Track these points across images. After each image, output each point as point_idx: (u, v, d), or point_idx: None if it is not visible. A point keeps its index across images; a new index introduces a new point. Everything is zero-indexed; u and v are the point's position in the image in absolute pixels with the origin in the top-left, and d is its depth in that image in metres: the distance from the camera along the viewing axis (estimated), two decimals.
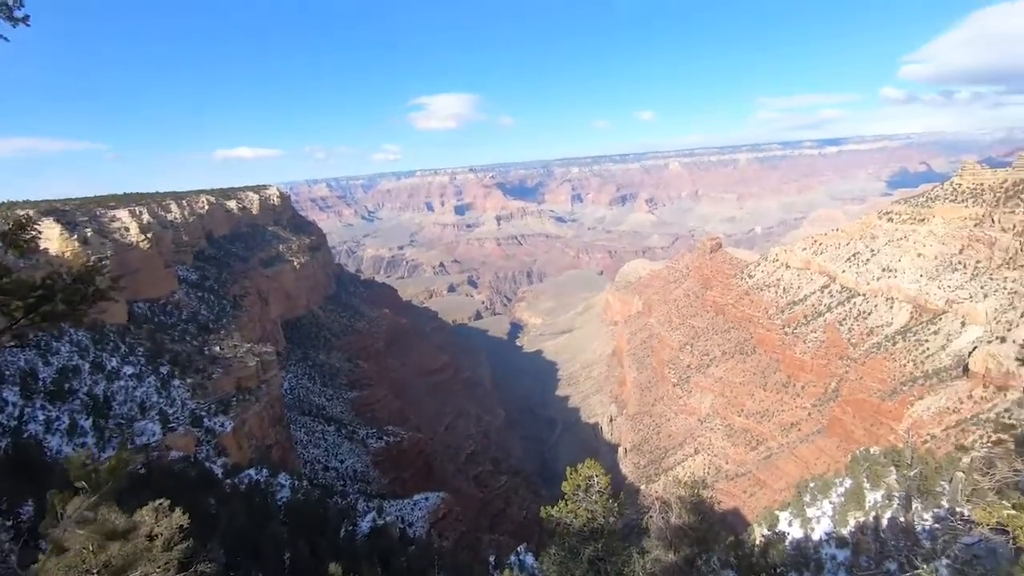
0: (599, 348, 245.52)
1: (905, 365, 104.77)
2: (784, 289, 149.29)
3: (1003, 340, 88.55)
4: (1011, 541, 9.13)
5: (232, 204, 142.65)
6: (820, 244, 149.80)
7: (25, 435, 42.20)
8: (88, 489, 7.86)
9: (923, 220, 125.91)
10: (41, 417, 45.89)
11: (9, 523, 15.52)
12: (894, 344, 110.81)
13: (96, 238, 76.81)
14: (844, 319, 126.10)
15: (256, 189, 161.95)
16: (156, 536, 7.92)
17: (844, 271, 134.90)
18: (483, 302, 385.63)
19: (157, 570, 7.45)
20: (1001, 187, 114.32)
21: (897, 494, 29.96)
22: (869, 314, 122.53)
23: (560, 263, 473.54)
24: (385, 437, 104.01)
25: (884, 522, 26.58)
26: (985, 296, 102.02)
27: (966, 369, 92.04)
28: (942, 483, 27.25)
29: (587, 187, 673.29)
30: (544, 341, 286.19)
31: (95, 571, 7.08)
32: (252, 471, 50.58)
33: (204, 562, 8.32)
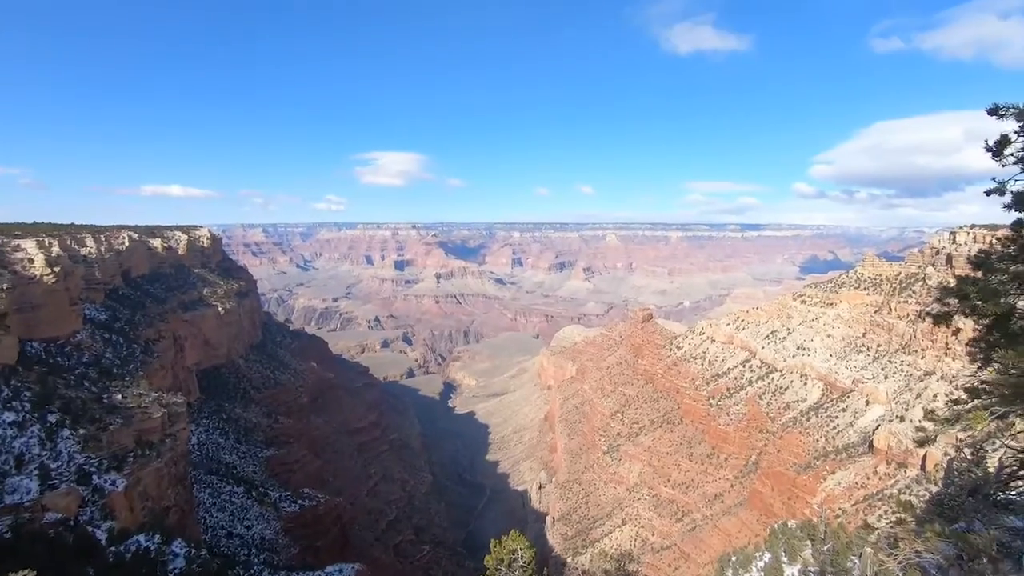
0: (531, 412, 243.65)
1: (818, 440, 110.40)
2: (709, 362, 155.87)
3: (902, 419, 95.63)
4: None
5: (157, 243, 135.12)
6: (742, 321, 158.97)
7: None
8: None
9: (831, 304, 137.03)
10: None
11: None
12: (808, 419, 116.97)
13: None
14: (764, 393, 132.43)
15: (186, 229, 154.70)
16: None
17: (763, 347, 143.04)
18: (417, 360, 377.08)
19: None
20: (896, 279, 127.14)
21: (812, 570, 30.71)
22: (786, 389, 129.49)
23: (498, 324, 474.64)
24: (300, 501, 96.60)
25: None
26: (885, 377, 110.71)
27: (871, 446, 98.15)
28: (853, 558, 28.26)
29: (528, 252, 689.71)
30: (477, 403, 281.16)
31: None
32: (142, 537, 45.27)
33: None
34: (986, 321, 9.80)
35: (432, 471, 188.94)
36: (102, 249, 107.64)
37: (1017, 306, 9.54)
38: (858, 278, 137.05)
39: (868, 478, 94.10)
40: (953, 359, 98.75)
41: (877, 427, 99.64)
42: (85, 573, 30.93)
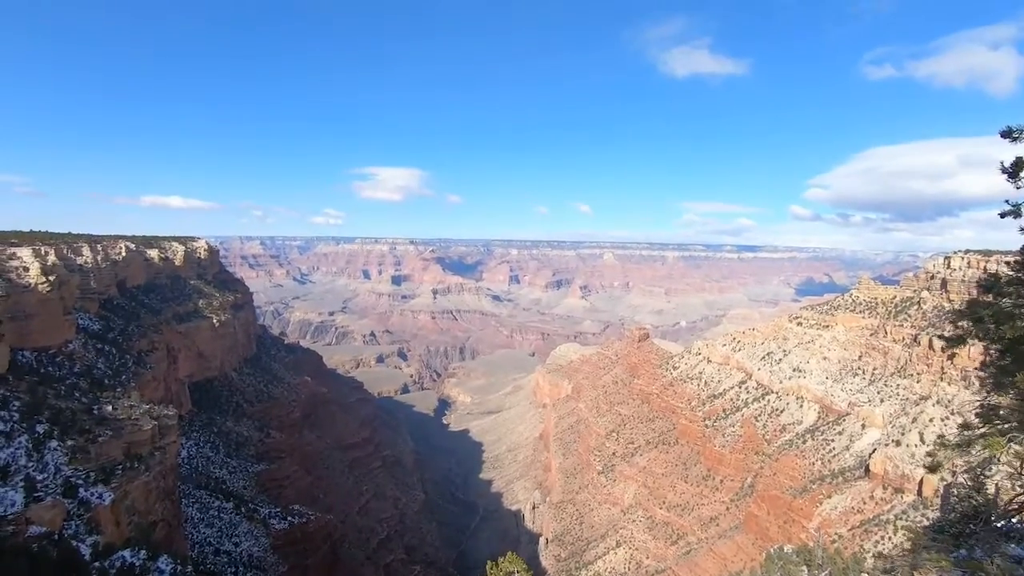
0: (526, 431, 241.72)
1: (814, 463, 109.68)
2: (706, 382, 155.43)
3: (898, 444, 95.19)
4: None
5: (154, 253, 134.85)
6: (739, 342, 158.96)
7: None
8: None
9: (827, 326, 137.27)
10: None
11: None
12: (804, 442, 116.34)
13: None
14: (760, 415, 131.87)
15: (183, 240, 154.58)
16: None
17: (759, 369, 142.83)
18: (412, 376, 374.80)
19: None
20: (892, 302, 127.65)
21: None
22: (782, 411, 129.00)
23: (494, 341, 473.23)
24: (290, 518, 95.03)
25: None
26: (881, 401, 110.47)
27: (867, 470, 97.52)
28: None
29: (525, 269, 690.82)
30: (471, 420, 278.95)
31: None
32: (127, 552, 44.31)
33: None
34: (999, 345, 9.77)
35: (425, 489, 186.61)
36: (98, 259, 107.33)
37: None
38: (854, 301, 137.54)
39: (864, 503, 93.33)
40: (949, 384, 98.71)
41: (873, 451, 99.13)
42: None
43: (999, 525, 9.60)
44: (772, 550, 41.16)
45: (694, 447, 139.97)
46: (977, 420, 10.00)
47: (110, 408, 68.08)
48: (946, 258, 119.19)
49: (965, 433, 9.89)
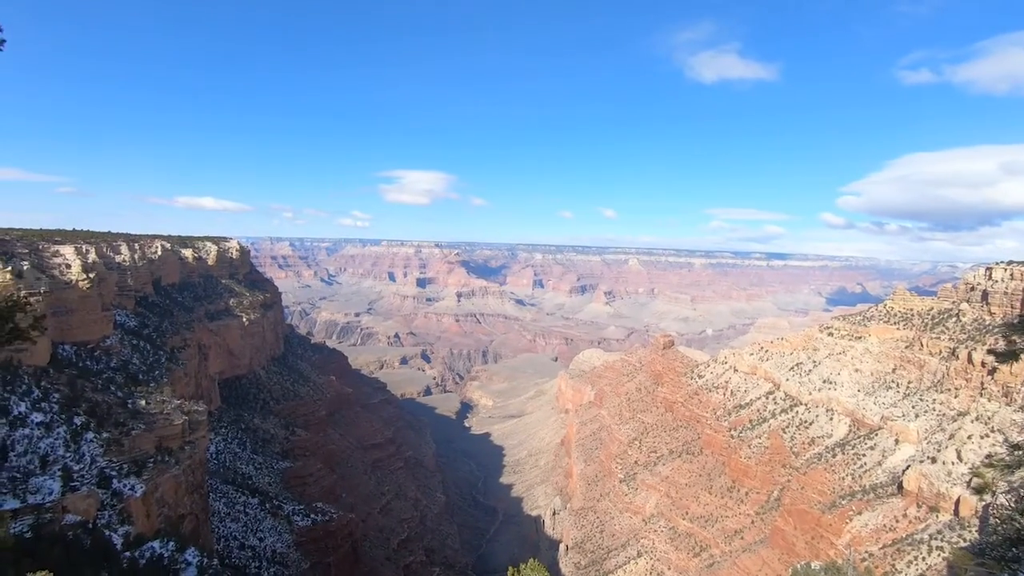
0: (548, 436, 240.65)
1: (844, 478, 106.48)
2: (732, 392, 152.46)
3: (934, 461, 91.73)
4: None
5: (188, 253, 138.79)
6: (767, 351, 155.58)
7: None
8: None
9: (860, 338, 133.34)
10: None
11: None
12: (834, 456, 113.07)
13: (32, 272, 72.52)
14: (787, 427, 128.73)
15: (216, 240, 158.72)
16: None
17: (788, 379, 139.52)
18: (435, 378, 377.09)
19: None
20: (928, 314, 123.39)
21: None
22: (811, 424, 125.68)
23: (517, 345, 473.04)
24: (313, 515, 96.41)
25: None
26: (916, 416, 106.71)
27: (900, 487, 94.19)
28: None
29: (549, 274, 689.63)
30: (493, 424, 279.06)
31: None
32: (157, 543, 45.53)
33: None
34: None
35: (446, 491, 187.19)
36: (135, 257, 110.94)
37: None
38: (888, 312, 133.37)
39: (897, 521, 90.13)
40: (989, 399, 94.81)
41: (907, 468, 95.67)
42: None
43: None
44: (799, 566, 40.01)
45: (719, 458, 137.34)
46: None
47: (143, 402, 70.17)
48: (987, 269, 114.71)
49: (1016, 453, 9.42)
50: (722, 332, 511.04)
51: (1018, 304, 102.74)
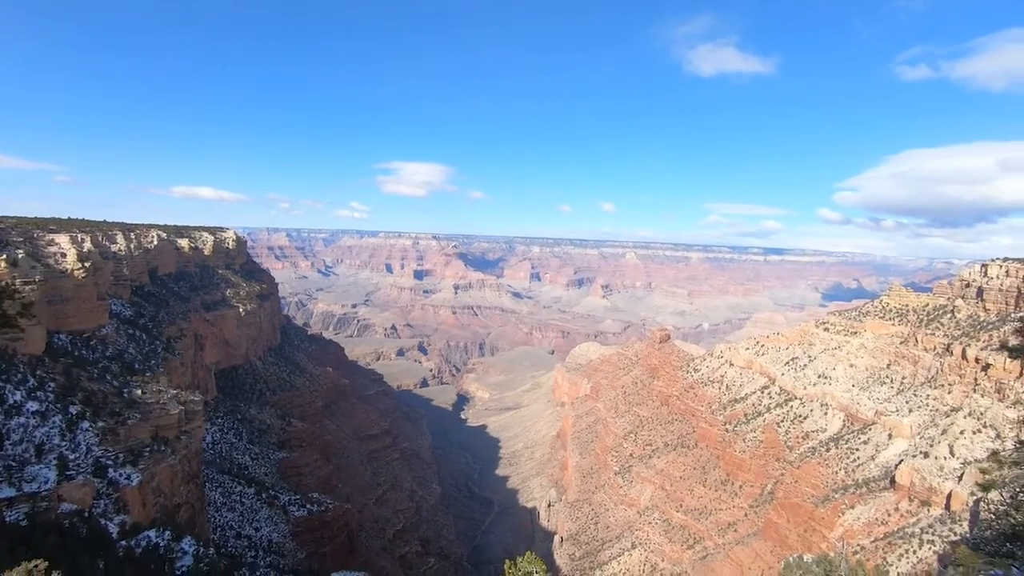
0: (544, 428, 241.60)
1: (837, 472, 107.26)
2: (727, 386, 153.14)
3: (926, 455, 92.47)
4: None
5: (184, 243, 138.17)
6: (762, 346, 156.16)
7: None
8: None
9: (855, 333, 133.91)
10: None
11: None
12: (827, 450, 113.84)
13: (27, 261, 72.11)
14: (782, 421, 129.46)
15: (212, 231, 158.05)
16: None
17: (783, 374, 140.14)
18: (431, 370, 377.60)
19: None
20: (924, 310, 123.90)
21: None
22: (805, 418, 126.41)
23: (513, 338, 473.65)
24: (309, 506, 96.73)
25: None
26: (910, 411, 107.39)
27: (893, 481, 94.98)
28: None
29: (546, 267, 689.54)
30: (489, 416, 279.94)
31: None
32: (152, 532, 45.66)
33: None
34: None
35: (441, 483, 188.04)
36: (131, 247, 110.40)
37: None
38: (884, 308, 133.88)
39: (889, 515, 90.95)
40: (982, 395, 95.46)
41: (900, 462, 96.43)
42: (95, 566, 31.18)
43: None
44: (791, 559, 40.35)
45: (713, 451, 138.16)
46: None
47: (139, 392, 70.08)
48: (983, 266, 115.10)
49: (1022, 451, 9.45)
50: (718, 326, 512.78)
51: (1013, 301, 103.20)
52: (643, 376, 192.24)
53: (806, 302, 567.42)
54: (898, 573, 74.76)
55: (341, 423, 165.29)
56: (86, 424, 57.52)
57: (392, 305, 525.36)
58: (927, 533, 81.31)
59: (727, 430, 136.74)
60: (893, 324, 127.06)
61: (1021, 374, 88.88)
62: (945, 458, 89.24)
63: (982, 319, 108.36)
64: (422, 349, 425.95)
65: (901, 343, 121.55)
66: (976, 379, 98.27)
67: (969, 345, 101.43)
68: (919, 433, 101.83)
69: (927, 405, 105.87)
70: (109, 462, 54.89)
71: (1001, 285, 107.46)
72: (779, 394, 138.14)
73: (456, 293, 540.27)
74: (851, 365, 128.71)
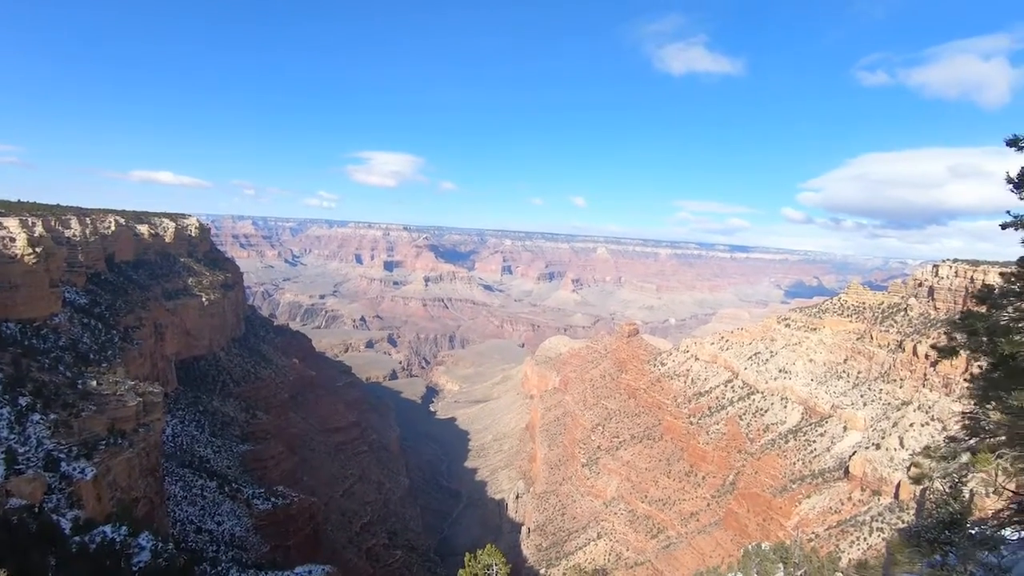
0: (513, 421, 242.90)
1: (795, 463, 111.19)
2: (692, 380, 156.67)
3: (878, 447, 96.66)
4: None
5: (144, 229, 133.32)
6: (727, 341, 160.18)
7: None
8: None
9: (815, 329, 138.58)
10: None
11: None
12: (786, 442, 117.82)
13: None
14: (744, 414, 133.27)
15: (174, 217, 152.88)
16: None
17: (746, 368, 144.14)
18: (400, 362, 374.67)
19: None
20: (879, 308, 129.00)
21: None
22: (766, 411, 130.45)
23: (484, 330, 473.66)
24: (273, 499, 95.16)
25: None
26: (864, 404, 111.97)
27: (847, 472, 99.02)
28: None
29: (518, 260, 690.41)
30: (459, 408, 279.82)
31: None
32: (108, 528, 44.23)
33: None
34: (991, 358, 9.75)
35: (409, 475, 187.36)
36: (87, 232, 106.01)
37: None
38: (842, 305, 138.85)
39: (842, 504, 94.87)
40: (931, 390, 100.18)
41: (854, 453, 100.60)
42: (46, 563, 30.07)
43: (973, 532, 9.79)
44: (750, 547, 41.79)
45: (678, 443, 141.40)
46: (963, 432, 10.10)
47: (94, 383, 67.63)
48: (934, 266, 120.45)
49: (951, 445, 10.00)
50: (685, 321, 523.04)
51: (961, 300, 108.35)
52: (611, 369, 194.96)
53: (769, 299, 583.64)
54: (849, 559, 78.14)
55: (307, 415, 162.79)
56: (37, 416, 55.26)
57: (361, 296, 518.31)
58: (877, 521, 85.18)
59: (691, 423, 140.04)
60: (851, 321, 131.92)
61: (967, 369, 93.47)
62: (895, 449, 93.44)
63: (932, 317, 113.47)
64: (391, 341, 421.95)
65: (858, 339, 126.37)
66: (926, 374, 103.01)
67: (920, 342, 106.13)
68: (872, 426, 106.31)
69: (880, 399, 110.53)
70: (62, 455, 52.91)
71: (950, 285, 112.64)
72: (742, 388, 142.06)
73: (427, 285, 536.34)
74: (810, 360, 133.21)
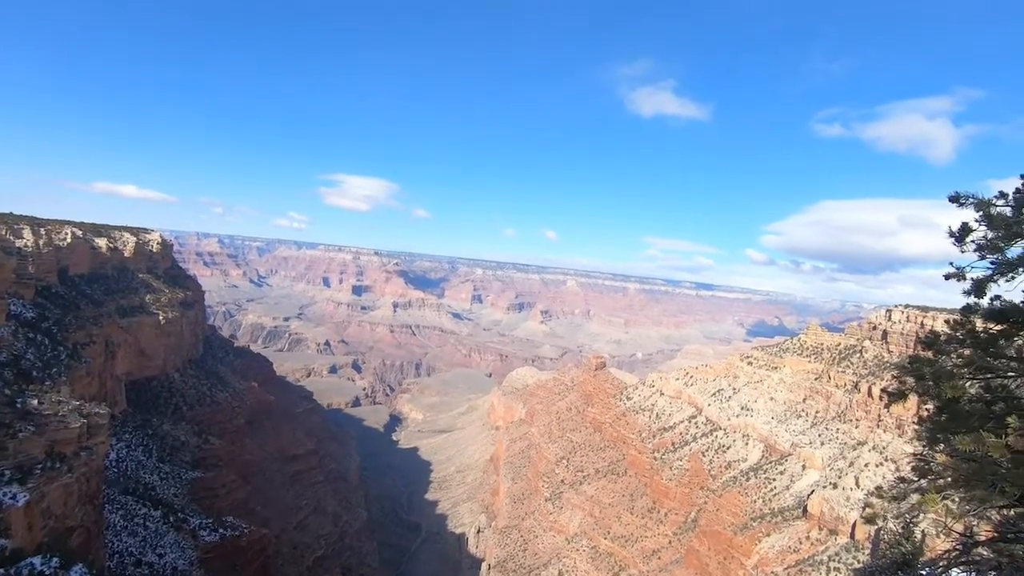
0: (477, 452, 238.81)
1: (756, 501, 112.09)
2: (657, 415, 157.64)
3: (835, 486, 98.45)
4: None
5: (102, 242, 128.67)
6: (691, 377, 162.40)
7: None
8: None
9: (776, 368, 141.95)
10: None
11: None
12: (747, 479, 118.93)
13: None
14: (707, 450, 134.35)
15: (135, 231, 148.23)
16: None
17: (709, 404, 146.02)
18: (364, 388, 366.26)
19: None
20: (836, 349, 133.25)
21: None
22: (728, 448, 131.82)
23: (451, 359, 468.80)
24: (222, 530, 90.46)
25: None
26: (822, 443, 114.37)
27: (805, 510, 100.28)
28: None
29: (488, 289, 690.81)
30: (422, 438, 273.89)
31: None
32: (38, 559, 41.30)
33: None
34: (936, 402, 10.27)
35: (368, 507, 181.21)
36: (40, 243, 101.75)
37: (970, 391, 10.06)
38: (801, 345, 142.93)
39: (801, 543, 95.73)
40: (884, 431, 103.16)
41: (812, 492, 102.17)
42: None
43: (923, 573, 10.05)
44: None
45: (642, 479, 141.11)
46: (913, 473, 10.48)
47: (35, 402, 63.85)
48: (888, 311, 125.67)
49: (901, 486, 10.36)
50: (651, 356, 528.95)
51: (912, 344, 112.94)
52: (578, 402, 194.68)
53: (732, 336, 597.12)
54: None
55: (264, 442, 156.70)
56: None
57: (328, 320, 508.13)
58: (834, 561, 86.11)
59: (655, 458, 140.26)
60: (809, 361, 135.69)
61: (917, 412, 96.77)
62: (851, 489, 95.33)
63: (886, 359, 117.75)
64: (356, 367, 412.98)
65: (816, 379, 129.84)
66: (880, 416, 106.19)
67: (874, 384, 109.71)
68: (829, 465, 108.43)
69: (837, 439, 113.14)
70: None
71: (902, 329, 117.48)
72: (705, 424, 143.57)
73: (395, 311, 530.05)
74: (771, 398, 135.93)
